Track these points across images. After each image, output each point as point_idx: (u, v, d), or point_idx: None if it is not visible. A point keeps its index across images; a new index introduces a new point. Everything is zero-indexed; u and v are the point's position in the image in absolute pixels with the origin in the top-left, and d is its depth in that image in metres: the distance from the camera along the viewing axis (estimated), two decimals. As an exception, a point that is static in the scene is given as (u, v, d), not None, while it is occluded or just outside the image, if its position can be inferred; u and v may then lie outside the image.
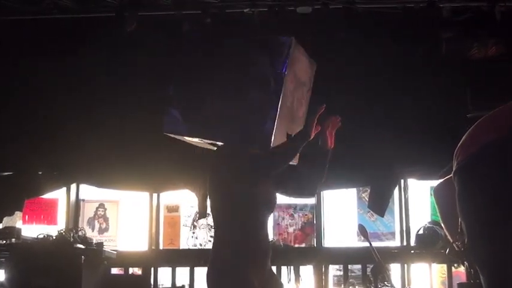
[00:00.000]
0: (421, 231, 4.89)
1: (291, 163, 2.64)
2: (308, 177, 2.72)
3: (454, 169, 2.09)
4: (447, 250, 2.49)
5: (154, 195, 5.39)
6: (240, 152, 2.56)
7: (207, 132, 2.72)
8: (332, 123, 2.60)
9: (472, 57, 4.77)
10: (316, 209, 5.36)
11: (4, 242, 4.52)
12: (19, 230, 4.62)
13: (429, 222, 4.87)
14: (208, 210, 5.04)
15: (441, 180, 2.34)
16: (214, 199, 2.56)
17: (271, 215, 4.14)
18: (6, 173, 5.20)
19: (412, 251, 5.02)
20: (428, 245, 4.74)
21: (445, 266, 5.02)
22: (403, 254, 5.08)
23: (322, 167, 2.63)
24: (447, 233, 2.39)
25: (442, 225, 2.42)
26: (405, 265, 5.08)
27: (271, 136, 2.56)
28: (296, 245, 5.39)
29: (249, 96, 2.65)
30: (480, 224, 1.96)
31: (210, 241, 5.54)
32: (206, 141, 2.78)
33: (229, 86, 2.77)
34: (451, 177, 2.12)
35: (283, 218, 5.45)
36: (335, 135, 2.66)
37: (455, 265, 3.45)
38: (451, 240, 2.36)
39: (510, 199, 1.85)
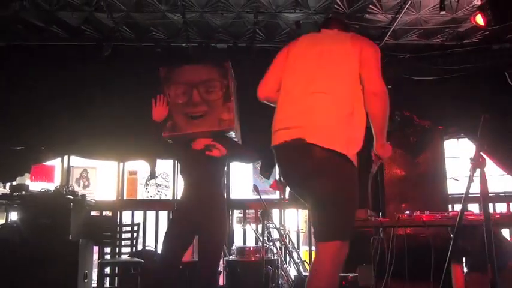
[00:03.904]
0: (292, 189, 5.71)
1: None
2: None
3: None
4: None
5: (121, 163, 6.04)
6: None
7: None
8: None
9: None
10: (227, 174, 5.96)
11: (17, 194, 4.99)
12: (27, 186, 5.11)
13: (296, 183, 5.59)
14: (157, 173, 5.98)
15: None
16: None
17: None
18: (19, 147, 5.71)
19: (286, 202, 5.78)
20: (296, 198, 4.35)
21: (307, 211, 5.43)
22: (280, 204, 5.92)
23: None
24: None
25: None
26: (282, 210, 5.96)
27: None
28: (214, 197, 5.89)
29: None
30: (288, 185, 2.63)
31: (157, 194, 6.37)
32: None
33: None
34: None
35: (206, 181, 5.86)
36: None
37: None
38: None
39: (296, 172, 2.41)
